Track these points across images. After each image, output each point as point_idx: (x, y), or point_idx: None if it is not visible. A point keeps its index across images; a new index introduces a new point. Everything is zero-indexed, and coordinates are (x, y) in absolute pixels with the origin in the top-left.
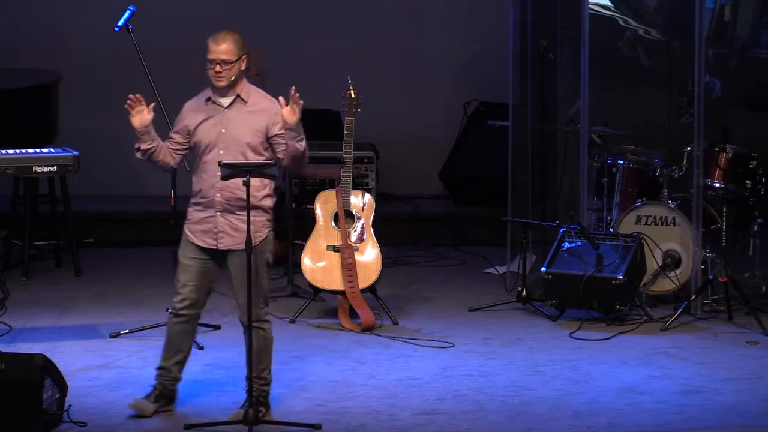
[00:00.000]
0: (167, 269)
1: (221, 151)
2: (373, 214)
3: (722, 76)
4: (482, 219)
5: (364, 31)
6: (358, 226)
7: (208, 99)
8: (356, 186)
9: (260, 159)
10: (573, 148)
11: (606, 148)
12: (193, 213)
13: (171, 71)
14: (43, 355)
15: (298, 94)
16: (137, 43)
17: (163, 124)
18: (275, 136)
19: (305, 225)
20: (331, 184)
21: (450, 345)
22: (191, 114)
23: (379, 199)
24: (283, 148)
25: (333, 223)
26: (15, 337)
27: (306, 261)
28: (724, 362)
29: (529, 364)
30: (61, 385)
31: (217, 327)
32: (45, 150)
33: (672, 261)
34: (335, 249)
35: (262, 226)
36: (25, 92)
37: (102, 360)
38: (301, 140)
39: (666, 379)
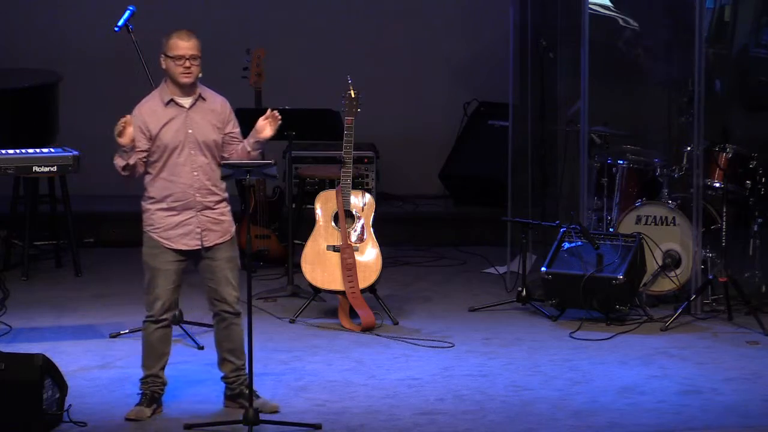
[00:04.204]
0: None
1: (192, 152)
2: (373, 214)
3: (722, 76)
4: (482, 219)
5: (364, 31)
6: (358, 226)
7: (170, 101)
8: (356, 186)
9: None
10: (573, 148)
11: (606, 148)
12: (165, 219)
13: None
14: (43, 355)
15: (277, 113)
16: (137, 43)
17: None
18: (228, 133)
19: (305, 225)
20: (331, 184)
21: (450, 345)
22: (151, 117)
23: (379, 199)
24: (233, 148)
25: (333, 223)
26: (15, 337)
27: (306, 261)
28: (724, 362)
29: (529, 364)
30: (61, 385)
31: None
32: (45, 150)
33: (672, 261)
34: (335, 249)
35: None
36: (25, 92)
37: (102, 360)
38: (259, 152)
39: (666, 379)
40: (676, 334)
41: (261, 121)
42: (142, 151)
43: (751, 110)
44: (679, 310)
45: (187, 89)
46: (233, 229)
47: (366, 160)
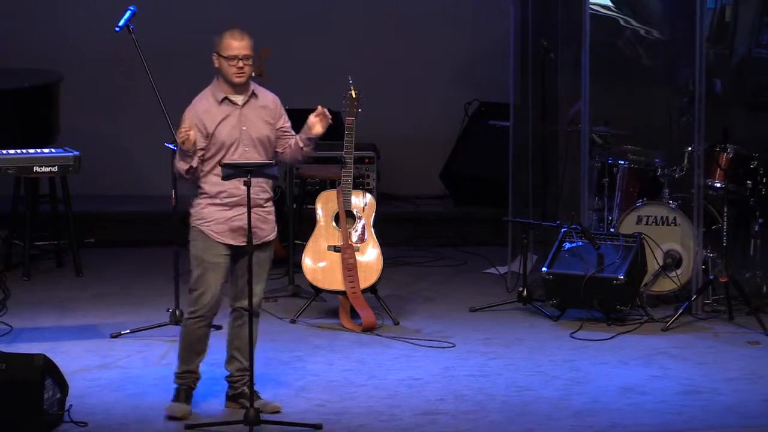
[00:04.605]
0: (167, 269)
1: (246, 149)
2: (373, 214)
3: (722, 76)
4: (483, 219)
5: (365, 31)
6: (359, 226)
7: (224, 98)
8: (357, 186)
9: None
10: (574, 148)
11: (607, 148)
12: (215, 213)
13: (171, 71)
14: (44, 355)
15: (327, 112)
16: (138, 43)
17: (164, 124)
18: (280, 128)
19: (306, 225)
20: (332, 184)
21: (451, 345)
22: (206, 115)
23: (380, 199)
24: (286, 142)
25: (334, 223)
26: (16, 337)
27: (307, 261)
28: (725, 362)
29: (530, 364)
30: (61, 385)
31: (217, 327)
32: (46, 150)
33: (673, 261)
34: (336, 249)
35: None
36: (25, 92)
37: (103, 360)
38: (311, 150)
39: (667, 379)
40: (676, 335)
41: (312, 118)
42: (200, 149)
43: (751, 110)
44: (680, 311)
45: (240, 87)
46: (276, 229)
47: (367, 161)
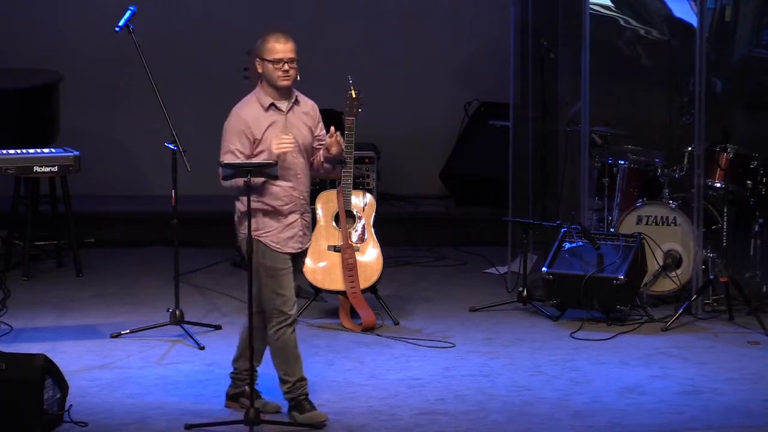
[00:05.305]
0: (168, 269)
1: (294, 155)
2: (373, 214)
3: (722, 76)
4: (483, 219)
5: (365, 32)
6: (359, 226)
7: (271, 104)
8: (357, 186)
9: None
10: (574, 148)
11: (607, 148)
12: (275, 223)
13: (172, 71)
14: (44, 355)
15: (339, 138)
16: (138, 43)
17: (164, 124)
18: (317, 136)
19: None
20: (332, 184)
21: (451, 345)
22: (255, 122)
23: (380, 199)
24: (318, 152)
25: (334, 223)
26: (16, 337)
27: (307, 261)
28: (725, 362)
29: (530, 364)
30: (61, 385)
31: (217, 327)
32: (46, 150)
33: (673, 261)
34: (336, 249)
35: None
36: (25, 92)
37: (103, 360)
38: (334, 171)
39: (667, 379)
40: (676, 335)
41: (329, 139)
42: (244, 156)
43: (751, 110)
44: (680, 311)
45: (284, 92)
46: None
47: (367, 161)
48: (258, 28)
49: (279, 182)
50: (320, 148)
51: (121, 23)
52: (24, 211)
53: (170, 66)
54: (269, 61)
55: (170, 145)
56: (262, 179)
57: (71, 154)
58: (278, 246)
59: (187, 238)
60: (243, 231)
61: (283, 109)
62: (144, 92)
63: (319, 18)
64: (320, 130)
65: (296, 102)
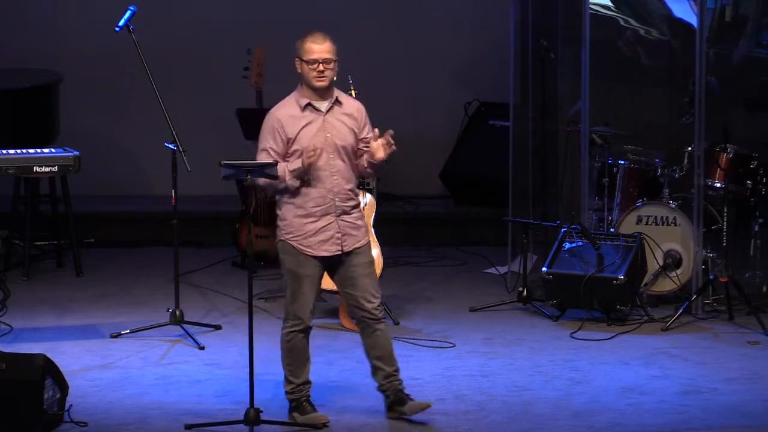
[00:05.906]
0: (168, 269)
1: (330, 156)
2: (373, 214)
3: (722, 76)
4: (483, 219)
5: (365, 31)
6: None
7: (307, 104)
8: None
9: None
10: (574, 148)
11: (607, 148)
12: (304, 226)
13: (172, 71)
14: (44, 355)
15: (392, 141)
16: (138, 43)
17: (165, 124)
18: (363, 138)
19: None
20: None
21: (451, 345)
22: (289, 122)
23: (380, 199)
24: (363, 155)
25: None
26: (16, 337)
27: None
28: (725, 362)
29: (530, 364)
30: (61, 385)
31: (217, 327)
32: (46, 150)
33: (673, 261)
34: None
35: None
36: (25, 92)
37: (103, 360)
38: (376, 173)
39: (667, 379)
40: (676, 334)
41: (374, 143)
42: (279, 155)
43: (751, 110)
44: (680, 310)
45: (323, 93)
46: (368, 234)
47: None
48: (258, 28)
49: (314, 184)
50: (364, 152)
51: (121, 23)
52: (24, 211)
53: (170, 66)
54: (305, 61)
55: (170, 145)
56: (297, 182)
57: (71, 154)
58: (309, 249)
59: (187, 238)
60: (277, 234)
61: (322, 110)
62: (144, 92)
63: (319, 17)
64: (367, 132)
65: (337, 102)
